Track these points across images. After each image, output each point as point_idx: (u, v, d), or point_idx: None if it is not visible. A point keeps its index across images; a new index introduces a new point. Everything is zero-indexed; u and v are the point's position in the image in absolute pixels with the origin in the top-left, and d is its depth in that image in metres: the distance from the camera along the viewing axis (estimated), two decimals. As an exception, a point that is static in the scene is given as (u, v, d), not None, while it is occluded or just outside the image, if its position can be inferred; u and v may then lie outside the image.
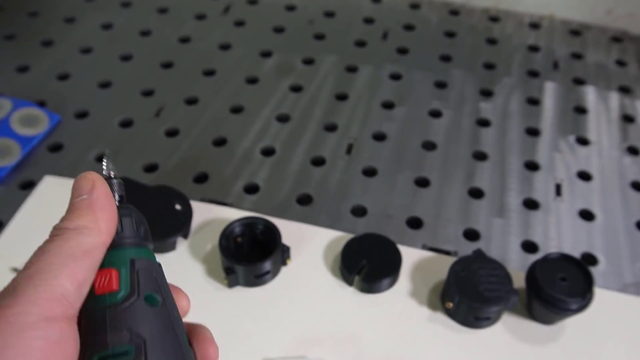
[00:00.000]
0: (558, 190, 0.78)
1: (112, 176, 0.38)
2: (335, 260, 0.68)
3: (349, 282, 0.66)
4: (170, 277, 0.63)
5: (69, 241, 0.33)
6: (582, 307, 0.60)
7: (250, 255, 0.67)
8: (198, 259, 0.68)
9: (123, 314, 0.33)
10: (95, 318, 0.33)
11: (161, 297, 0.35)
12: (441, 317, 0.64)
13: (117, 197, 0.37)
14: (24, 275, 0.31)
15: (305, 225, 0.72)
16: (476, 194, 0.77)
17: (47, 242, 0.34)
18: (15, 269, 0.67)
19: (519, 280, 0.64)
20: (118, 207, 0.37)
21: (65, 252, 0.32)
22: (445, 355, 0.61)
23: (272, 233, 0.66)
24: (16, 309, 0.29)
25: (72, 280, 0.32)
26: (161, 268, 0.38)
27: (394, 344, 0.62)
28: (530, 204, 0.76)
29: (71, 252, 0.33)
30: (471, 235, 0.73)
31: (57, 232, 0.34)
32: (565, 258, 0.62)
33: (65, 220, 0.34)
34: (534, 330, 0.63)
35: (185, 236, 0.70)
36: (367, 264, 0.66)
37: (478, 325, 0.63)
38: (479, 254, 0.64)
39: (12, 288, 0.31)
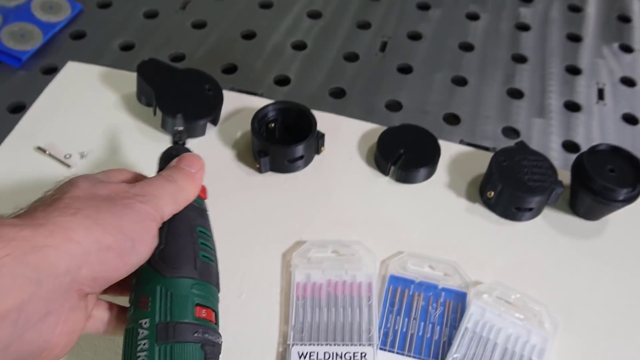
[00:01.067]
0: (600, 94, 0.75)
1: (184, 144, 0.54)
2: (370, 151, 0.66)
3: (385, 172, 0.64)
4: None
5: (173, 184, 0.46)
6: (631, 199, 0.58)
7: (282, 141, 0.65)
8: (228, 145, 0.66)
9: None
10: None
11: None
12: (480, 209, 0.62)
13: None
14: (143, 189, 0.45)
15: (339, 117, 0.69)
16: (515, 94, 0.74)
17: (158, 178, 0.46)
18: (39, 148, 0.65)
19: (563, 178, 0.61)
20: None
21: (169, 191, 0.45)
22: (484, 245, 0.59)
23: (307, 118, 0.63)
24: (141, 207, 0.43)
25: (171, 208, 0.45)
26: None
27: (431, 232, 0.60)
28: (572, 107, 0.73)
29: (173, 194, 0.46)
30: (510, 133, 0.70)
31: (167, 176, 0.47)
32: (615, 150, 0.60)
33: (172, 170, 0.48)
34: (576, 225, 0.61)
35: (215, 122, 0.67)
36: (404, 153, 0.63)
37: (518, 217, 0.61)
38: (522, 145, 0.62)
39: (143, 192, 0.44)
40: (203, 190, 0.51)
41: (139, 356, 0.42)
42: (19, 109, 0.69)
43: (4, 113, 0.69)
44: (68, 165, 0.63)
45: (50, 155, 0.64)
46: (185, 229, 0.47)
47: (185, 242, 0.46)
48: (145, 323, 0.42)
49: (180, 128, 0.55)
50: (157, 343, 0.42)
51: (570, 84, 0.76)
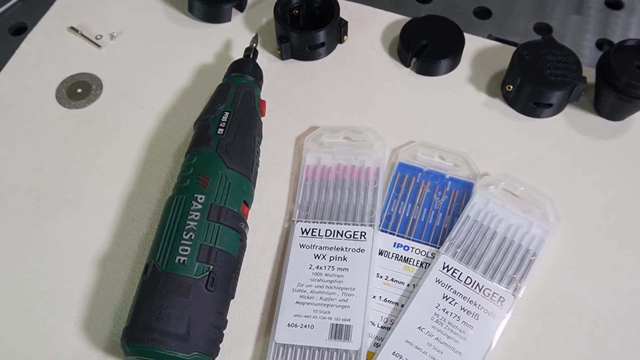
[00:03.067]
0: (648, -9, 0.70)
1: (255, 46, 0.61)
2: (393, 42, 0.65)
3: (406, 63, 0.63)
4: (224, 47, 0.63)
5: None
6: (656, 98, 0.56)
7: (306, 28, 0.65)
8: (252, 31, 0.67)
9: None
10: None
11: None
12: (500, 104, 0.61)
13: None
14: None
15: (366, 7, 0.68)
16: (554, -11, 0.71)
17: None
18: (71, 28, 0.67)
19: (589, 76, 0.59)
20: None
21: None
22: (498, 139, 0.59)
23: (331, 5, 0.63)
24: None
25: None
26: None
27: (446, 124, 0.60)
28: (614, 4, 0.69)
29: None
30: (543, 29, 0.67)
31: None
32: (646, 45, 0.57)
33: None
34: (598, 124, 0.60)
35: (241, 8, 0.68)
36: (427, 45, 0.62)
37: (538, 114, 0.60)
38: (549, 39, 0.60)
39: None
40: (263, 105, 0.57)
41: (188, 224, 0.47)
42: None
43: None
44: (98, 46, 0.66)
45: (82, 35, 0.66)
46: (250, 135, 0.53)
47: (249, 146, 0.53)
48: (201, 199, 0.48)
49: (254, 44, 0.61)
50: (208, 219, 0.47)
51: (616, -21, 0.71)
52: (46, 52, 0.66)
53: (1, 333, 0.50)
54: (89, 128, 0.60)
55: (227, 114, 0.53)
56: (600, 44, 0.66)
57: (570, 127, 0.60)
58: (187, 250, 0.46)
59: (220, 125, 0.52)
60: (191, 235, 0.47)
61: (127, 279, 0.52)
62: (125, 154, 0.59)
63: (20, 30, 0.69)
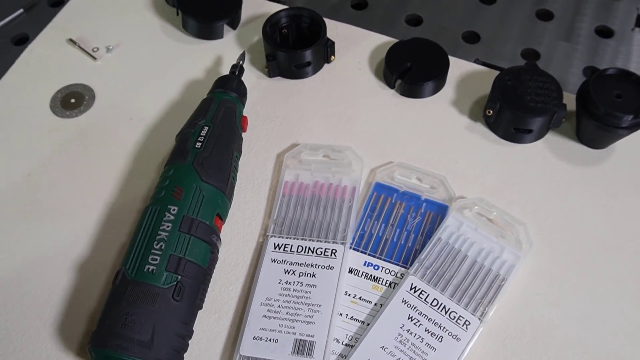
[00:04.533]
0: (638, 21, 0.70)
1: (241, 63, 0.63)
2: (380, 64, 0.66)
3: (391, 85, 0.64)
4: (214, 63, 0.64)
5: None
6: (635, 126, 0.56)
7: (294, 47, 0.66)
8: (243, 47, 0.68)
9: None
10: None
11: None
12: (481, 128, 0.62)
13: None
14: None
15: (355, 28, 0.69)
16: (545, 16, 0.71)
17: None
18: (70, 40, 0.69)
19: (571, 103, 0.60)
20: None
21: None
22: (477, 163, 0.59)
23: (318, 25, 0.64)
24: None
25: None
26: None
27: (426, 146, 0.61)
28: (604, 32, 0.70)
29: None
30: (530, 55, 0.68)
31: None
32: (625, 74, 0.57)
33: None
34: (579, 151, 0.60)
35: (234, 26, 0.69)
36: (411, 67, 0.63)
37: (518, 139, 0.60)
38: (531, 66, 0.60)
39: None
40: (245, 121, 0.59)
41: (159, 234, 0.49)
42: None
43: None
44: (94, 58, 0.68)
45: (79, 47, 0.69)
46: (228, 149, 0.54)
47: (226, 160, 0.54)
48: (174, 210, 0.50)
49: (240, 62, 0.63)
50: (179, 230, 0.49)
51: (608, 7, 0.71)
52: (45, 62, 0.68)
53: (-23, 333, 0.51)
54: (79, 137, 0.62)
55: (206, 128, 0.54)
56: (587, 71, 0.66)
57: (550, 154, 0.60)
58: (156, 259, 0.47)
59: (199, 139, 0.54)
60: (161, 245, 0.48)
61: (104, 285, 0.53)
62: (111, 164, 0.60)
63: (23, 41, 0.72)
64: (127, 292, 0.46)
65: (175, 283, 0.47)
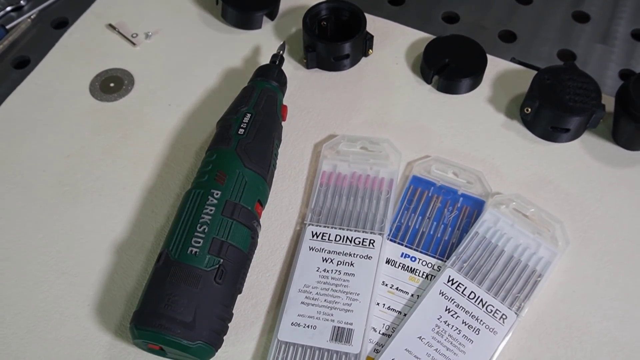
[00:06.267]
0: (675, 26, 0.71)
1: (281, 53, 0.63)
2: (417, 59, 0.67)
3: (428, 80, 0.65)
4: (252, 52, 0.65)
5: None
6: (673, 129, 0.56)
7: (332, 39, 0.67)
8: (281, 39, 0.69)
9: None
10: None
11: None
12: (517, 126, 0.62)
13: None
14: None
15: (393, 23, 0.70)
16: (581, 18, 0.71)
17: None
18: (109, 25, 0.70)
19: (609, 105, 0.60)
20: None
21: None
22: (513, 160, 0.60)
23: (358, 19, 0.65)
24: None
25: None
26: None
27: (462, 142, 0.61)
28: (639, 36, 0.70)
29: None
30: (567, 56, 0.68)
31: None
32: (666, 77, 0.58)
33: None
34: (615, 153, 0.60)
35: (272, 17, 0.70)
36: (449, 63, 0.64)
37: (555, 138, 0.61)
38: (571, 66, 0.61)
39: None
40: (285, 110, 0.59)
41: (203, 217, 0.49)
42: None
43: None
44: (133, 44, 0.69)
45: (119, 32, 0.69)
46: (270, 137, 0.55)
47: (267, 147, 0.54)
48: (217, 194, 0.50)
49: (281, 52, 0.63)
50: (222, 214, 0.49)
51: (645, 12, 0.72)
52: (84, 46, 0.69)
53: (19, 308, 0.52)
54: (118, 121, 0.63)
55: (248, 115, 0.55)
56: (623, 74, 0.66)
57: (587, 154, 0.60)
58: (199, 242, 0.48)
59: (242, 125, 0.54)
60: (205, 229, 0.48)
61: (142, 267, 0.54)
62: (149, 148, 0.61)
63: (62, 25, 0.72)
64: (170, 273, 0.47)
65: (217, 266, 0.47)
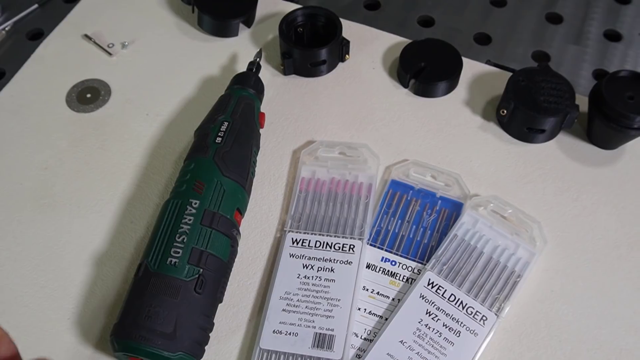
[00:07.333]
0: (646, 25, 0.72)
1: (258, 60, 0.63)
2: (393, 63, 0.67)
3: (405, 84, 0.65)
4: (229, 60, 0.65)
5: None
6: (646, 128, 0.57)
7: (309, 46, 0.67)
8: (257, 46, 0.69)
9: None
10: None
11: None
12: (494, 128, 0.63)
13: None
14: None
15: (368, 28, 0.70)
16: (554, 19, 0.72)
17: None
18: (85, 35, 0.70)
19: (583, 105, 0.61)
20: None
21: None
22: (490, 162, 0.60)
23: (334, 24, 0.65)
24: None
25: None
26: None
27: (440, 145, 0.61)
28: (612, 36, 0.71)
29: None
30: (541, 57, 0.69)
31: None
32: (636, 76, 0.58)
33: None
34: (590, 152, 0.61)
35: (248, 24, 0.70)
36: (425, 67, 0.64)
37: (531, 139, 0.61)
38: (544, 67, 0.61)
39: None
40: (263, 117, 0.59)
41: (181, 227, 0.49)
42: (72, -1, 0.74)
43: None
44: (110, 54, 0.68)
45: (95, 43, 0.69)
46: (248, 145, 0.55)
47: (245, 155, 0.54)
48: (195, 204, 0.50)
49: (258, 59, 0.63)
50: (201, 224, 0.49)
51: (616, 12, 0.73)
52: (60, 57, 0.68)
53: (-4, 324, 0.51)
54: (95, 132, 0.63)
55: (226, 123, 0.55)
56: (597, 74, 0.67)
57: (563, 154, 0.61)
58: (178, 252, 0.48)
59: (219, 134, 0.54)
60: (184, 238, 0.48)
61: (122, 278, 0.54)
62: (127, 159, 0.61)
63: (37, 36, 0.72)
64: (149, 284, 0.47)
65: (197, 276, 0.47)
